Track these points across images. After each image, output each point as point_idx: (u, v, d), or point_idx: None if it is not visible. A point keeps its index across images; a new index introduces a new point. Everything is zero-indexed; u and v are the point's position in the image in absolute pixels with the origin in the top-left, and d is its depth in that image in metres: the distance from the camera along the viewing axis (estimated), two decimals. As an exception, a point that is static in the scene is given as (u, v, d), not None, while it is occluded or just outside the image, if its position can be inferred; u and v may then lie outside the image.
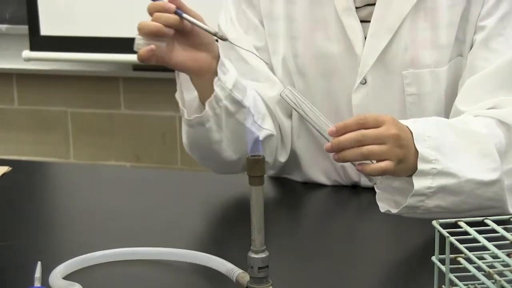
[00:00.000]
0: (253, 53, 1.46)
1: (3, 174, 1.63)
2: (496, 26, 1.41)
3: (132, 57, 2.99)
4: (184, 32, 1.32)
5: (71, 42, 2.98)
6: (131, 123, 3.14)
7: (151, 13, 1.30)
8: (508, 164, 1.33)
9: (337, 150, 1.20)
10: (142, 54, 1.29)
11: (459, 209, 1.29)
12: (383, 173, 1.21)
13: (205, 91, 1.38)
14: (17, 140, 3.27)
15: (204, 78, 1.37)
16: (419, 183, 1.24)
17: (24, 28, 3.04)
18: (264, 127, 1.49)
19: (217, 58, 1.37)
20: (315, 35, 1.48)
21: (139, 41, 1.30)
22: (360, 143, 1.19)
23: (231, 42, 1.35)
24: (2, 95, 3.25)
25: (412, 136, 1.24)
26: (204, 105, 1.38)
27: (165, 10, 1.29)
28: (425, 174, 1.24)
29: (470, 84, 1.42)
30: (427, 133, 1.25)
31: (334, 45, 1.46)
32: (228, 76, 1.39)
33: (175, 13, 1.29)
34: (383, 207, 1.28)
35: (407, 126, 1.25)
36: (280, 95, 1.25)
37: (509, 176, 1.33)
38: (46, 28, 3.01)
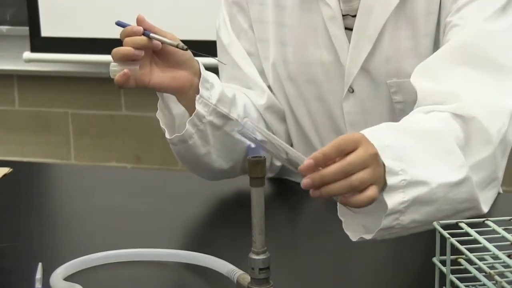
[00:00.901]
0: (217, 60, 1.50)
1: (4, 175, 1.63)
2: (452, 18, 1.36)
3: (132, 59, 3.01)
4: (159, 52, 1.34)
5: (71, 43, 2.98)
6: (132, 125, 3.14)
7: (122, 39, 1.33)
8: (469, 159, 1.23)
9: (320, 185, 1.04)
10: (117, 79, 1.32)
11: (435, 219, 1.12)
12: (372, 202, 1.06)
13: (191, 109, 1.38)
14: (18, 141, 3.27)
15: (188, 96, 1.37)
16: (392, 200, 1.10)
17: (24, 30, 3.04)
18: None
19: (199, 74, 1.37)
20: (305, 42, 1.47)
21: (114, 68, 1.33)
22: (348, 174, 1.04)
23: (193, 52, 1.34)
24: (3, 96, 3.25)
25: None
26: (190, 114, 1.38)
27: (133, 33, 1.31)
28: (395, 188, 1.11)
29: (425, 62, 1.35)
30: (386, 142, 1.12)
31: (323, 52, 1.46)
32: (213, 91, 1.38)
33: (143, 34, 1.32)
34: (354, 236, 1.13)
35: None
36: (237, 131, 1.08)
37: (473, 172, 1.22)
38: (47, 30, 3.01)
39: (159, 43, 1.32)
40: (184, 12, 2.85)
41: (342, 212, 1.13)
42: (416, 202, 1.13)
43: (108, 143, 3.18)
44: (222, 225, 1.40)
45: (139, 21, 1.33)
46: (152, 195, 1.54)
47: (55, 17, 3.00)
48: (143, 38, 1.31)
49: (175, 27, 3.05)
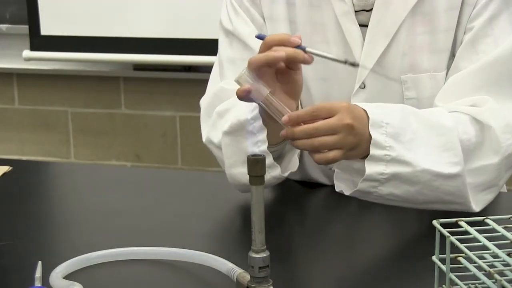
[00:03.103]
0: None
1: (4, 174, 1.63)
2: (483, 27, 1.40)
3: (132, 57, 3.01)
4: (284, 76, 1.27)
5: (71, 42, 2.99)
6: (131, 123, 3.14)
7: (266, 48, 1.24)
8: (474, 162, 1.33)
9: (291, 139, 1.22)
10: (239, 93, 1.23)
11: (415, 200, 1.30)
12: (329, 162, 1.23)
13: (274, 138, 1.32)
14: (18, 139, 3.27)
15: (276, 127, 1.28)
16: (371, 168, 1.25)
17: (24, 28, 3.05)
18: None
19: (299, 106, 1.34)
20: (314, 39, 1.47)
21: (243, 76, 1.22)
22: (312, 135, 1.20)
23: (363, 67, 1.32)
24: (2, 95, 3.25)
25: (368, 122, 1.24)
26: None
27: (288, 43, 1.23)
28: (378, 159, 1.25)
29: (451, 82, 1.41)
30: (386, 120, 1.26)
31: (333, 49, 1.46)
32: None
33: (298, 47, 1.23)
34: (338, 186, 1.31)
35: (365, 111, 1.25)
36: (236, 78, 1.22)
37: (474, 174, 1.33)
38: (47, 28, 3.01)
39: (312, 57, 1.24)
40: (183, 11, 2.85)
41: (338, 165, 1.29)
42: (396, 177, 1.26)
43: (107, 141, 3.19)
44: (221, 224, 1.40)
45: (298, 37, 1.25)
46: (151, 194, 1.54)
47: (55, 16, 3.00)
48: (297, 50, 1.23)
49: (175, 26, 3.06)
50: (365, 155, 1.25)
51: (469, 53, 1.41)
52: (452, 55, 1.44)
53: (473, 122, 1.35)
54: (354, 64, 1.26)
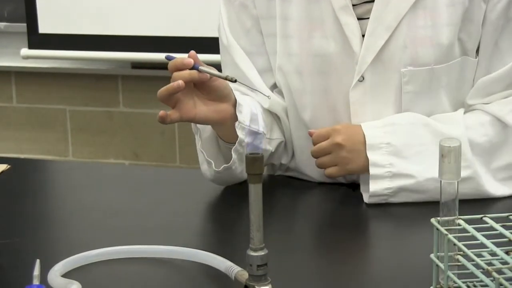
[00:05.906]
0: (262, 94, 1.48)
1: (2, 172, 1.63)
2: (506, 25, 1.44)
3: (130, 55, 3.01)
4: (203, 87, 1.37)
5: (69, 40, 2.98)
6: (130, 121, 3.14)
7: (171, 73, 1.36)
8: (499, 160, 1.43)
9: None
10: (159, 121, 1.41)
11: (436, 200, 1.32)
12: (330, 177, 1.47)
13: (228, 137, 1.44)
14: (16, 138, 3.27)
15: (227, 125, 1.42)
16: (374, 185, 1.40)
17: (22, 26, 3.04)
18: (274, 138, 1.54)
19: (235, 103, 1.42)
20: (312, 34, 1.47)
21: None
22: (315, 157, 1.46)
23: (241, 83, 1.38)
24: (0, 93, 3.25)
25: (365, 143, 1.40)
26: (221, 138, 1.46)
27: (183, 66, 1.34)
28: (379, 177, 1.40)
29: (483, 82, 1.46)
30: (387, 140, 1.41)
31: (331, 43, 1.46)
32: (244, 113, 1.42)
33: (193, 67, 1.34)
34: (364, 196, 1.43)
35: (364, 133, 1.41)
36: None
37: (503, 171, 1.43)
38: (45, 26, 3.01)
39: (207, 75, 1.34)
40: (182, 9, 2.85)
41: (363, 177, 1.44)
42: (403, 190, 1.40)
43: (106, 139, 3.18)
44: (220, 222, 1.40)
45: (191, 56, 1.35)
46: (150, 192, 1.54)
47: (53, 14, 3.00)
48: (193, 71, 1.34)
49: (173, 24, 3.05)
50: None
51: (495, 53, 1.45)
52: (462, 53, 1.46)
53: (494, 123, 1.43)
54: (232, 80, 1.33)
